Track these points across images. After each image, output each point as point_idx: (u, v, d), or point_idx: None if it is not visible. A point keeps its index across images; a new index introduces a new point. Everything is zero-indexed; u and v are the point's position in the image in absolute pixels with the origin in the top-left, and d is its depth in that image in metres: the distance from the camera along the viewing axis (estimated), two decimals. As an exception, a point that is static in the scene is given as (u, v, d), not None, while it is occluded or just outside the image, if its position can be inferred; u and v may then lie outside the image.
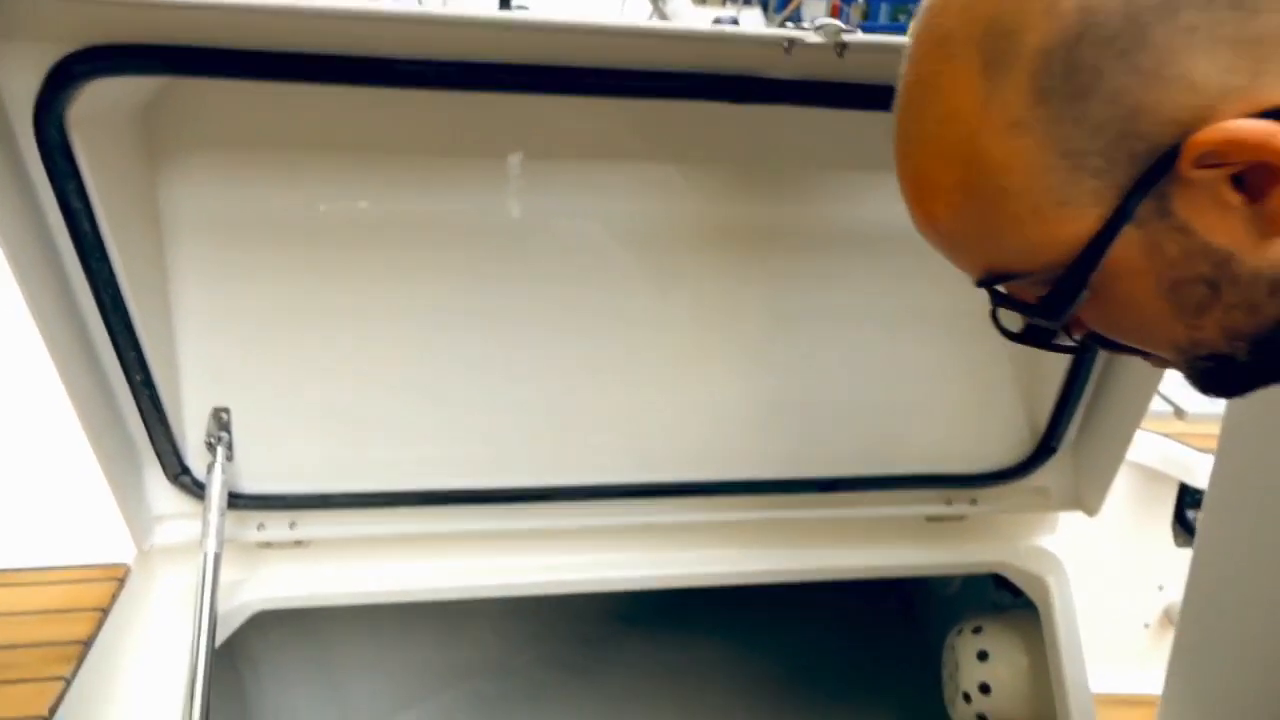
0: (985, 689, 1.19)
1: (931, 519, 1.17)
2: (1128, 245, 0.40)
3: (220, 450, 0.97)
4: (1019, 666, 1.18)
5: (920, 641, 1.48)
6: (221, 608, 1.00)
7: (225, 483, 0.96)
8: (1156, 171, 0.38)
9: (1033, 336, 0.47)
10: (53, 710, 0.85)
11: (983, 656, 1.21)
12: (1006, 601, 1.25)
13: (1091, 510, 1.15)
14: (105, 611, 0.91)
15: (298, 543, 1.07)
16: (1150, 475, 1.68)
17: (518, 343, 1.02)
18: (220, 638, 0.99)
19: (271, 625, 1.35)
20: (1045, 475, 1.15)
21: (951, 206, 0.43)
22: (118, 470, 0.95)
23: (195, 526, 0.95)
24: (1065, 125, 0.39)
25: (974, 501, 1.16)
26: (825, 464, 1.11)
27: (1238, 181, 0.38)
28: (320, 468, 1.04)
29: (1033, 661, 1.17)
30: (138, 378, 0.89)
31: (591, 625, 1.68)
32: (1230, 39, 0.36)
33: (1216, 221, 0.39)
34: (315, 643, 1.43)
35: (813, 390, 1.10)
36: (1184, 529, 1.72)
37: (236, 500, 1.01)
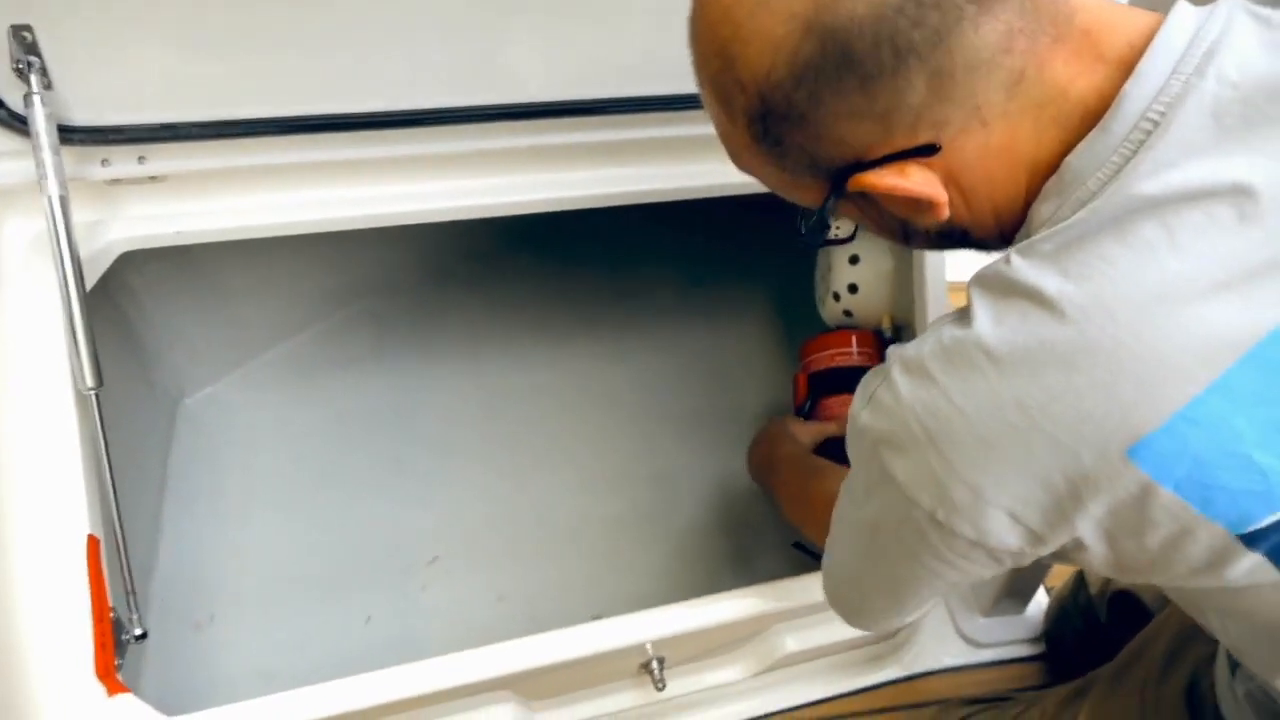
0: (853, 289, 1.29)
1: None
2: (847, 207, 0.61)
3: (34, 77, 0.84)
4: (885, 268, 1.27)
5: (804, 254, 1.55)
6: (84, 251, 0.95)
7: (51, 115, 0.85)
8: (841, 180, 0.57)
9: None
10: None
11: (854, 260, 1.29)
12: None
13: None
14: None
15: (153, 178, 0.99)
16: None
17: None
18: (90, 281, 0.95)
19: (145, 261, 1.29)
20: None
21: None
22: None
23: (33, 167, 0.86)
24: (774, 157, 0.58)
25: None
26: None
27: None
28: (163, 91, 0.93)
29: (897, 263, 1.26)
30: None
31: (480, 243, 1.69)
32: (864, 113, 0.53)
33: (889, 206, 0.59)
34: (197, 274, 1.40)
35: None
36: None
37: (71, 134, 0.91)
